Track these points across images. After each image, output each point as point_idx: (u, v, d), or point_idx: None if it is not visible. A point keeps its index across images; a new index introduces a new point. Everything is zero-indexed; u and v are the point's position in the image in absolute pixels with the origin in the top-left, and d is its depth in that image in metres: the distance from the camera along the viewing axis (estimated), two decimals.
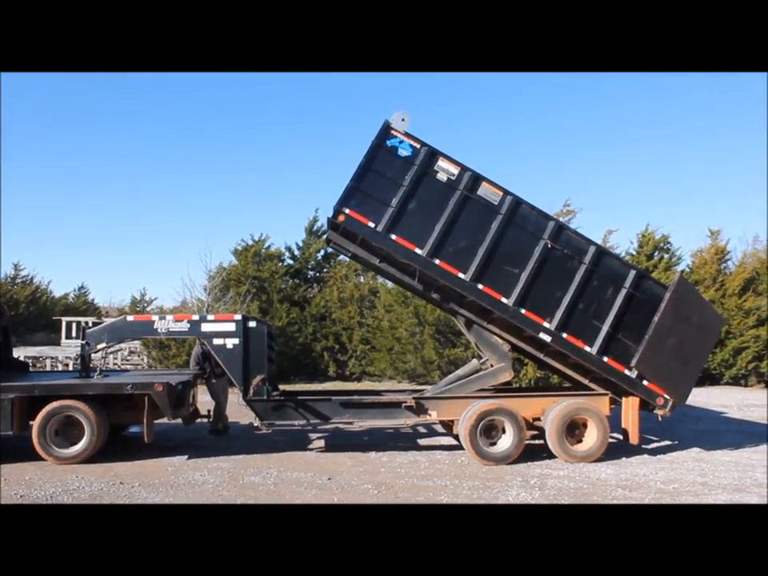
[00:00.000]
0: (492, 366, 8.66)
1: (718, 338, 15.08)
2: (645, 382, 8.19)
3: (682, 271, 18.90)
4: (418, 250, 7.93)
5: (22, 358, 13.40)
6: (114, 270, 61.49)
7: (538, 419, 8.36)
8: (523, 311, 8.02)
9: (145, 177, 57.16)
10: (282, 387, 10.12)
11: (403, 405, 8.36)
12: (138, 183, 58.13)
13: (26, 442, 7.92)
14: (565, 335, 8.05)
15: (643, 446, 9.01)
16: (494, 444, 8.14)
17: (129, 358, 21.62)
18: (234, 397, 8.91)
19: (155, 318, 8.76)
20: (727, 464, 8.11)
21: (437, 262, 7.95)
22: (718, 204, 49.34)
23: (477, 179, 8.09)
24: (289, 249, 21.79)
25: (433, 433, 10.32)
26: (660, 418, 8.35)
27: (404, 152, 7.99)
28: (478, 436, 8.01)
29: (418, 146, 8.02)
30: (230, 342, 8.41)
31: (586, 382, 8.57)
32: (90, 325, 11.82)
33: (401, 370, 18.20)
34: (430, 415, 8.44)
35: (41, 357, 19.88)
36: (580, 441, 8.25)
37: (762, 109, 42.75)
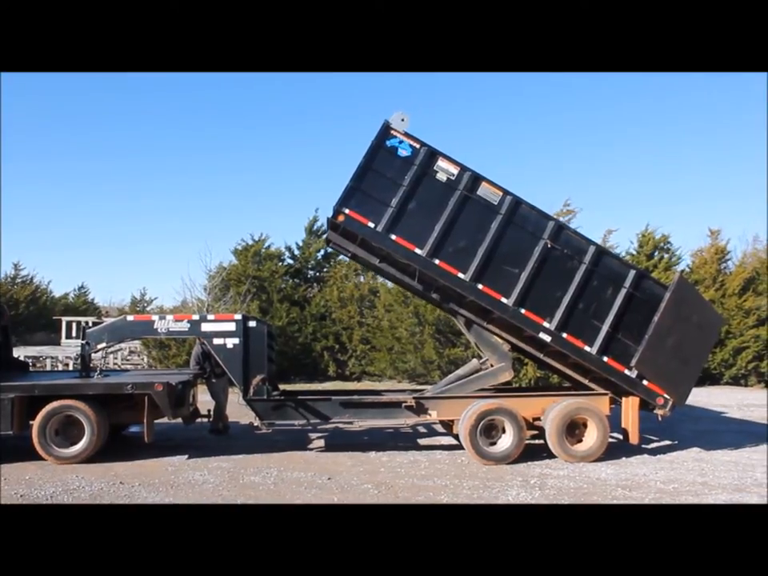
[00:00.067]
0: (492, 365, 8.66)
1: (718, 338, 15.11)
2: (645, 382, 8.19)
3: (682, 271, 18.90)
4: (417, 250, 7.93)
5: (22, 358, 13.39)
6: (114, 269, 61.54)
7: (538, 419, 8.36)
8: (523, 311, 8.03)
9: (145, 177, 57.23)
10: (282, 387, 10.13)
11: (403, 405, 8.36)
12: (138, 183, 58.19)
13: (26, 442, 7.92)
14: (565, 335, 8.05)
15: (643, 446, 9.01)
16: (493, 444, 8.15)
17: (129, 357, 21.63)
18: (234, 396, 8.92)
19: (155, 317, 8.76)
20: (727, 464, 8.11)
21: (436, 262, 7.95)
22: (718, 204, 49.40)
23: (476, 179, 8.09)
24: (289, 248, 21.83)
25: (433, 433, 10.33)
26: (660, 418, 8.35)
27: (404, 152, 7.99)
28: (478, 436, 8.01)
29: (418, 146, 8.02)
30: (230, 342, 8.41)
31: (585, 381, 8.57)
32: (90, 325, 11.84)
33: (401, 369, 18.20)
34: (430, 415, 8.44)
35: (41, 356, 19.87)
36: (580, 440, 8.25)
37: (762, 109, 42.81)
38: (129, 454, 8.27)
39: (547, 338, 8.05)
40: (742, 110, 49.64)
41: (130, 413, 8.28)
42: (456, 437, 8.77)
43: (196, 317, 8.73)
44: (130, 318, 9.14)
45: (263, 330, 8.58)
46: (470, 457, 8.14)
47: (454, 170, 8.06)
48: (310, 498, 6.41)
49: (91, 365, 8.99)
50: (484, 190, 8.09)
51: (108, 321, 11.13)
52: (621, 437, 8.57)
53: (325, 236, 14.22)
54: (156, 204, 58.36)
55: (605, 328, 8.09)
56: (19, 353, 16.07)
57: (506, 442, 8.10)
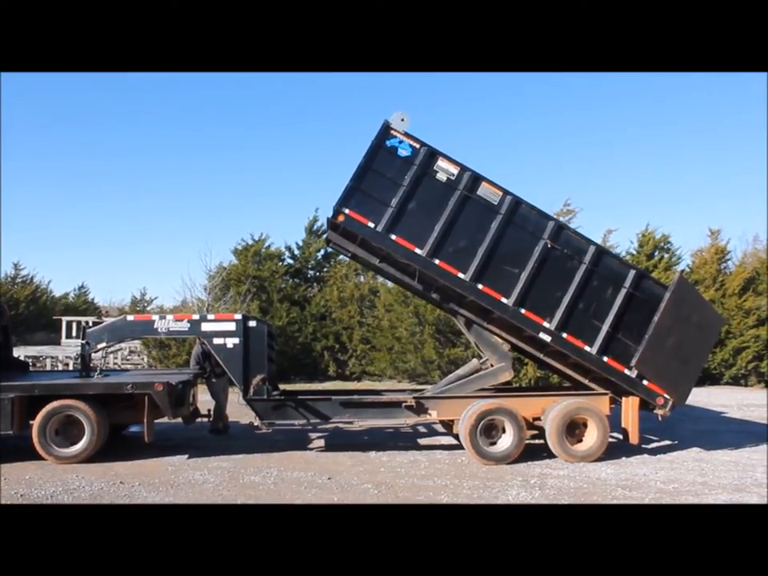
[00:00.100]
0: (492, 365, 8.66)
1: (718, 338, 15.11)
2: (645, 382, 8.19)
3: (682, 271, 18.90)
4: (417, 250, 7.93)
5: (22, 358, 13.37)
6: (114, 269, 61.48)
7: (538, 419, 8.36)
8: (523, 311, 8.03)
9: (145, 177, 57.13)
10: (282, 387, 10.13)
11: (403, 404, 8.36)
12: (138, 183, 58.12)
13: (26, 442, 7.93)
14: (565, 335, 8.05)
15: (643, 446, 9.01)
16: (494, 444, 8.15)
17: (129, 357, 21.62)
18: (234, 396, 8.92)
19: (155, 317, 8.76)
20: (727, 464, 8.11)
21: (436, 261, 7.95)
22: (718, 204, 49.34)
23: (476, 179, 8.09)
24: (289, 248, 21.82)
25: (433, 432, 10.33)
26: (660, 418, 8.35)
27: (404, 152, 7.99)
28: (478, 435, 8.01)
29: (418, 146, 8.02)
30: (230, 342, 8.41)
31: (585, 381, 8.57)
32: (90, 324, 11.84)
33: (401, 369, 18.20)
34: (430, 415, 8.44)
35: (41, 356, 19.87)
36: (580, 440, 8.25)
37: (762, 109, 42.77)
38: (129, 454, 8.28)
39: (547, 338, 8.05)
40: (741, 110, 49.65)
41: (130, 412, 8.29)
42: (456, 437, 8.77)
43: (196, 316, 8.73)
44: (130, 317, 9.14)
45: (263, 329, 8.59)
46: (469, 457, 8.15)
47: (454, 170, 8.06)
48: (310, 498, 6.41)
49: (91, 365, 9.00)
50: (484, 190, 8.09)
51: (108, 321, 11.12)
52: (621, 437, 8.57)
53: (325, 236, 14.24)
54: (156, 204, 58.37)
55: (605, 328, 8.09)
56: (19, 352, 16.06)
57: (506, 441, 8.10)
